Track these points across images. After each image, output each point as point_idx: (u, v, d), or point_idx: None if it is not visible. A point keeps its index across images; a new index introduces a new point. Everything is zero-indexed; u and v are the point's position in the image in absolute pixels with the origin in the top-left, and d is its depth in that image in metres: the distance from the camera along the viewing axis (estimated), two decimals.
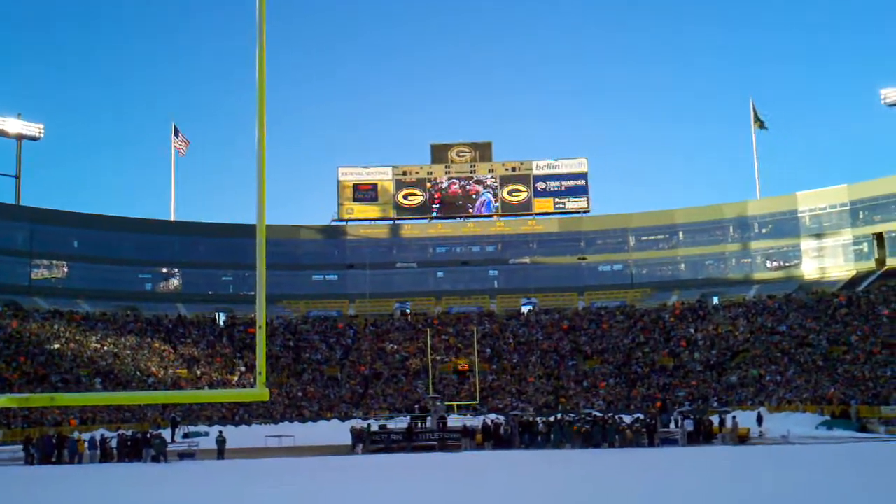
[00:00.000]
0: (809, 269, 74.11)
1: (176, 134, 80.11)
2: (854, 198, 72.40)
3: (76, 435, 40.47)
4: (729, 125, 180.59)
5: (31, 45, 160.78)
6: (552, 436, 38.61)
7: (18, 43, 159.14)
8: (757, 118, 78.72)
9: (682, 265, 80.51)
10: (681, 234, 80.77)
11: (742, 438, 38.47)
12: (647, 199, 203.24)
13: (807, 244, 74.59)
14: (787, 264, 75.77)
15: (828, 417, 44.80)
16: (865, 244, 71.10)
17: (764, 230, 77.35)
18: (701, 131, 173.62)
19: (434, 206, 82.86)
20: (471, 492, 20.69)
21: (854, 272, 70.09)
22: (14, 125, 75.48)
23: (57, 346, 60.60)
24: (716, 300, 72.80)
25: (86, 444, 37.44)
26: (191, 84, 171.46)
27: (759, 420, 44.09)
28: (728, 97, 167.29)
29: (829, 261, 73.38)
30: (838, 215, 73.22)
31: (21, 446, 38.36)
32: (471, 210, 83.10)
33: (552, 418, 44.08)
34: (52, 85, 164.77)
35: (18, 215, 73.15)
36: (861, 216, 72.02)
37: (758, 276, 76.16)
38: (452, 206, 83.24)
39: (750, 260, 78.12)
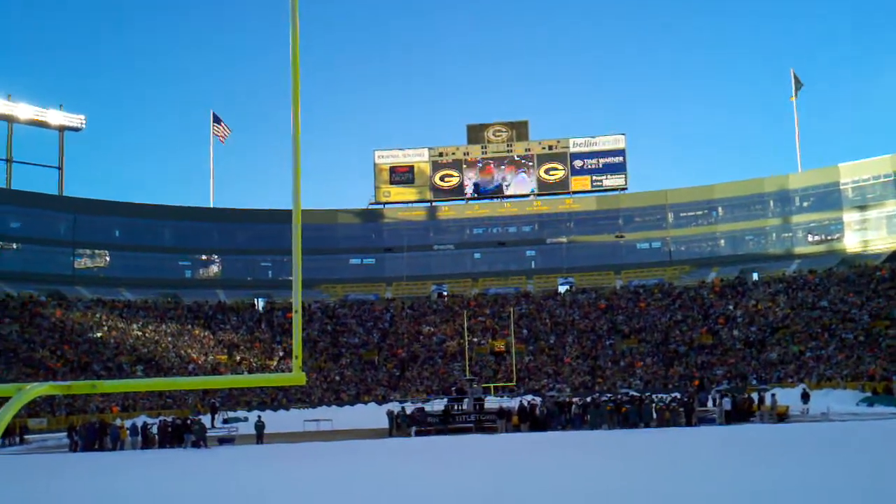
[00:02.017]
0: (852, 243, 72.85)
1: (216, 121, 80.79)
2: None
3: (118, 422, 41.20)
4: (769, 98, 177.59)
5: (73, 37, 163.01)
6: (588, 416, 38.44)
7: (60, 35, 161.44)
8: (797, 84, 77.46)
9: (722, 241, 79.57)
10: (720, 210, 79.82)
11: (781, 416, 37.90)
12: (685, 175, 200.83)
13: (849, 217, 73.29)
14: (828, 238, 74.51)
15: (869, 394, 44.11)
16: None
17: (805, 203, 76.13)
18: (741, 105, 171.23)
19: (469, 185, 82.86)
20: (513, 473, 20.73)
21: None
22: (56, 117, 76.71)
23: (99, 334, 61.71)
24: (756, 276, 71.84)
25: (128, 431, 38.09)
26: (228, 71, 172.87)
27: (805, 397, 43.40)
28: (768, 70, 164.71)
29: (872, 233, 72.05)
30: (882, 186, 71.83)
31: (66, 433, 39.15)
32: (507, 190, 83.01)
33: (588, 399, 43.90)
34: (93, 76, 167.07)
35: (61, 206, 74.50)
36: None
37: (799, 250, 75.06)
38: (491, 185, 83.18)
39: (791, 234, 77.01)
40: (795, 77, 77.70)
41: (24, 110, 74.52)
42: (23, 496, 20.19)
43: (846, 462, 20.41)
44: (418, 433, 38.11)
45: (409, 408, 43.35)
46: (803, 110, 79.85)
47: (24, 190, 73.76)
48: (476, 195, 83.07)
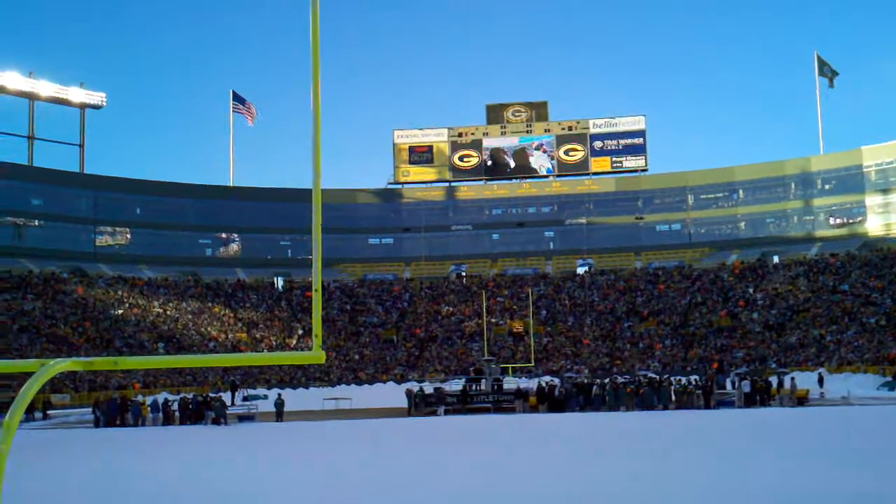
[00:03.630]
0: (874, 226, 72.27)
1: (238, 100, 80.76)
2: None
3: (140, 398, 41.58)
4: (792, 79, 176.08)
5: (94, 14, 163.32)
6: (606, 398, 38.44)
7: (81, 13, 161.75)
8: (825, 72, 76.37)
9: (742, 224, 79.13)
10: (741, 192, 79.35)
11: (801, 400, 37.79)
12: (706, 157, 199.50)
13: (872, 200, 72.67)
14: (850, 221, 73.95)
15: (889, 378, 43.90)
16: None
17: (827, 186, 75.55)
18: (763, 86, 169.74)
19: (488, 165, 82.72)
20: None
21: None
22: (77, 94, 77.07)
23: (120, 311, 62.20)
24: (776, 259, 71.40)
25: (149, 408, 38.43)
26: (249, 50, 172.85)
27: (820, 381, 43.36)
28: (791, 50, 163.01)
29: (894, 217, 71.42)
30: None
31: (91, 409, 39.55)
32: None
33: (606, 380, 43.86)
34: (114, 54, 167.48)
35: (82, 183, 75.01)
36: None
37: (820, 233, 74.57)
38: (508, 166, 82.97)
39: (812, 217, 76.46)
40: (820, 59, 76.71)
41: (46, 88, 74.90)
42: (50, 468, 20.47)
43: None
44: (447, 412, 38.21)
45: (428, 387, 43.51)
46: (826, 92, 78.28)
47: (46, 167, 74.32)
48: (496, 176, 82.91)
